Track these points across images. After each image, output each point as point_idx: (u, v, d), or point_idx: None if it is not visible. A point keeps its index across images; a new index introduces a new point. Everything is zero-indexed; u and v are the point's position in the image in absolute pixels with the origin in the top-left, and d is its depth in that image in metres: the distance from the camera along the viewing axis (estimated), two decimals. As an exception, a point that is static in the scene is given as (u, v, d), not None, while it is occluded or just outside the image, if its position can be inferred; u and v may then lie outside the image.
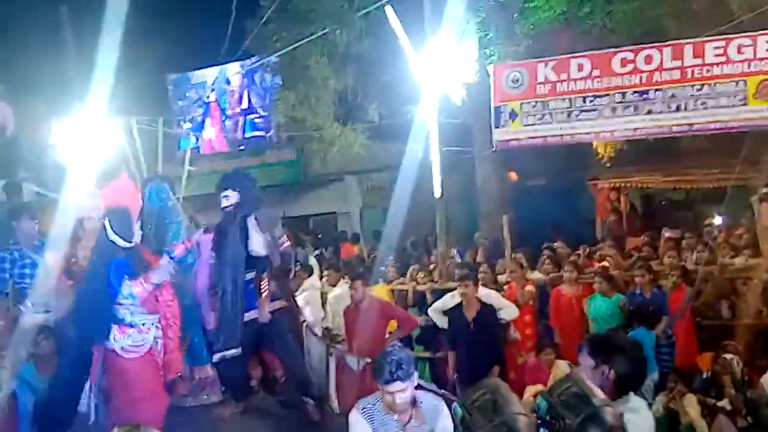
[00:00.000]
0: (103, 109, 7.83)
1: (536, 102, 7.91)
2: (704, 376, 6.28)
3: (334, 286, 7.92)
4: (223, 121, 14.90)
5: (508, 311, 6.52)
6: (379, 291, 7.51)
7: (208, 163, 13.42)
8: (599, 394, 2.48)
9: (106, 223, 4.35)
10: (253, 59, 13.15)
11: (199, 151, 14.11)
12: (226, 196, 5.13)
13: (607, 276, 7.06)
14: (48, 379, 4.59)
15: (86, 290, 4.40)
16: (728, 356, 6.17)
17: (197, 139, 14.47)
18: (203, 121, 14.95)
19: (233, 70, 14.63)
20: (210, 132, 14.93)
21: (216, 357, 4.96)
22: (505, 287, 7.33)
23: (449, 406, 3.19)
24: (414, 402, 3.30)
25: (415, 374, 3.29)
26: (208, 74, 14.97)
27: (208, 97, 14.93)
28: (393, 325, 6.21)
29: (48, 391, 4.50)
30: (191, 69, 14.99)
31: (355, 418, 3.35)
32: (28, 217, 5.46)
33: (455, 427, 2.36)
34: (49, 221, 5.14)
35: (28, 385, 4.60)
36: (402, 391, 3.18)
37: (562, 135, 7.92)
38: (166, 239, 4.69)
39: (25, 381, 4.59)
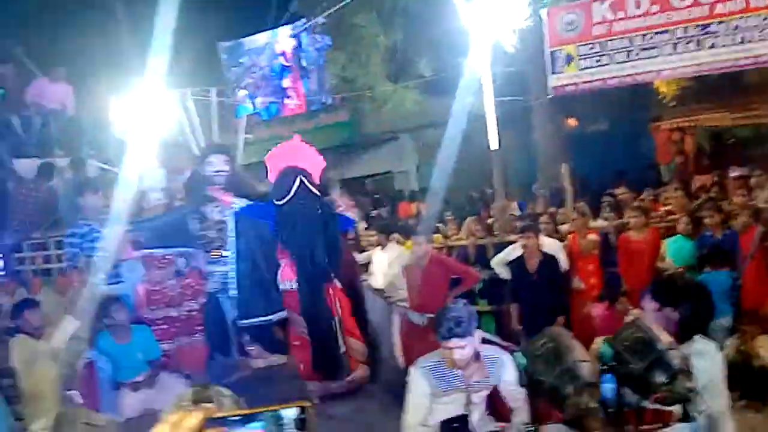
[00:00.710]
0: (160, 83, 7.99)
1: (593, 44, 7.64)
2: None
3: (382, 247, 7.65)
4: (303, 81, 14.67)
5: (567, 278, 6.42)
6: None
7: (265, 130, 13.60)
8: (664, 339, 2.46)
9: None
10: (302, 21, 13.13)
11: (262, 117, 14.19)
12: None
13: (692, 217, 6.86)
14: (124, 348, 4.81)
15: None
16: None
17: (254, 106, 14.59)
18: (278, 85, 14.84)
19: (284, 33, 14.51)
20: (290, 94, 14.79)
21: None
22: (568, 237, 7.23)
23: (514, 358, 3.21)
24: (477, 356, 3.26)
25: (476, 331, 3.24)
26: (260, 39, 14.94)
27: (275, 60, 14.76)
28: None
29: None
30: (241, 36, 15.06)
31: (414, 376, 3.34)
32: (92, 191, 5.63)
33: (519, 376, 2.38)
34: (114, 195, 5.31)
35: (106, 354, 4.81)
36: (461, 347, 3.14)
37: (621, 76, 7.66)
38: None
39: (102, 350, 4.81)
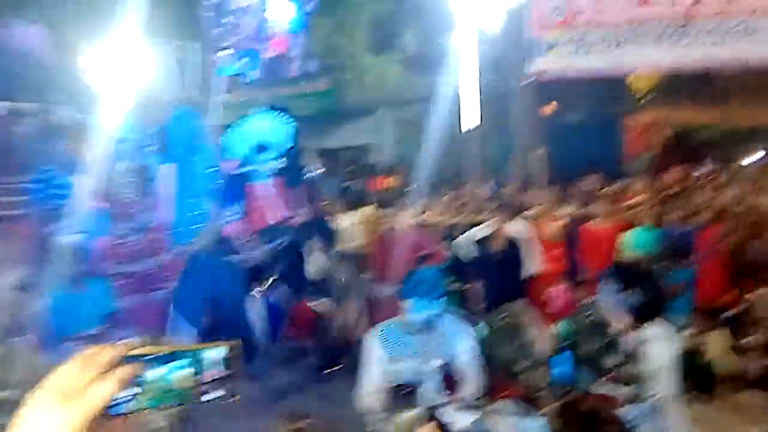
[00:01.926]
0: (139, 32, 7.74)
1: (574, 32, 7.70)
2: (731, 313, 6.32)
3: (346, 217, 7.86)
4: (289, 48, 14.39)
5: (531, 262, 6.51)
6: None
7: (244, 92, 13.40)
8: (618, 323, 2.56)
9: None
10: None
11: (246, 78, 13.96)
12: None
13: (657, 210, 7.02)
14: (79, 299, 4.68)
15: None
16: (755, 294, 6.19)
17: (237, 67, 14.31)
18: (256, 47, 14.54)
19: None
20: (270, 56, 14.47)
21: None
22: (536, 221, 7.35)
23: (475, 329, 3.28)
24: (432, 325, 3.29)
25: (440, 297, 3.29)
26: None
27: (258, 23, 14.44)
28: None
29: None
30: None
31: (370, 340, 3.38)
32: (59, 139, 5.49)
33: (477, 347, 2.45)
34: (84, 144, 5.16)
35: (58, 305, 4.66)
36: (419, 308, 3.18)
37: (601, 66, 7.74)
38: (192, 163, 4.80)
39: (55, 301, 4.67)
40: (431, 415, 2.57)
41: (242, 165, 4.73)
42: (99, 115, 5.67)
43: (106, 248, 5.02)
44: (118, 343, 0.86)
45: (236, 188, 4.85)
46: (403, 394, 3.17)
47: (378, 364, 3.31)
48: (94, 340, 4.64)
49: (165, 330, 4.88)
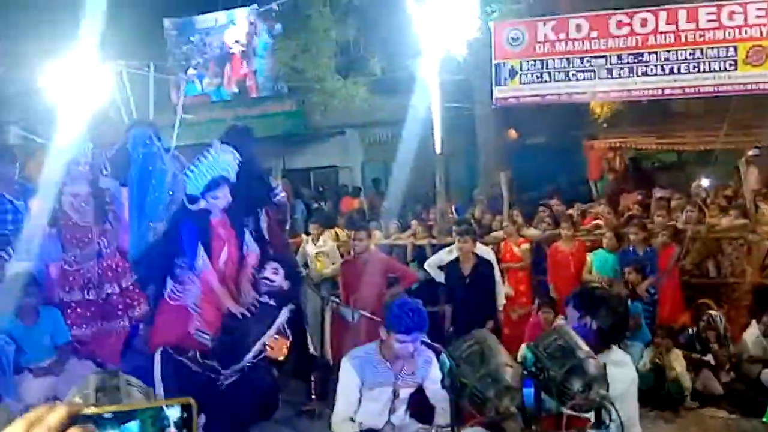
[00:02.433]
0: (95, 53, 7.50)
1: (535, 61, 7.97)
2: (690, 332, 6.54)
3: (316, 240, 7.73)
4: (256, 67, 14.38)
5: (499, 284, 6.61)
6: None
7: (207, 112, 13.38)
8: (584, 347, 2.65)
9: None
10: (254, 6, 12.96)
11: (212, 98, 13.92)
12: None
13: (614, 231, 7.25)
14: (30, 330, 4.53)
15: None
16: (713, 313, 6.42)
17: (202, 86, 14.27)
18: (221, 67, 14.53)
19: (241, 15, 14.18)
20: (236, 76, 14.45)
21: None
22: (501, 243, 7.51)
23: (440, 359, 3.34)
24: (411, 354, 3.34)
25: (425, 328, 3.31)
26: (214, 20, 14.55)
27: (224, 43, 14.45)
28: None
29: None
30: (186, 13, 14.59)
31: (346, 366, 3.39)
32: (8, 160, 5.07)
33: (443, 378, 2.46)
34: (37, 166, 4.92)
35: (9, 336, 4.51)
36: (412, 341, 3.20)
37: (559, 94, 8.02)
38: (148, 186, 4.60)
39: (6, 331, 4.50)
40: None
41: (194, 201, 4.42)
42: (52, 136, 5.36)
43: (60, 276, 4.75)
44: (67, 403, 0.81)
45: (195, 231, 4.42)
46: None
47: (354, 390, 3.33)
48: (47, 371, 4.56)
49: (123, 360, 4.66)
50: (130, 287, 4.86)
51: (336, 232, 7.91)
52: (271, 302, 4.43)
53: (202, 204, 4.42)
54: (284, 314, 4.41)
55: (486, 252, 6.73)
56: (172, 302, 4.37)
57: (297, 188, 12.80)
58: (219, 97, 14.42)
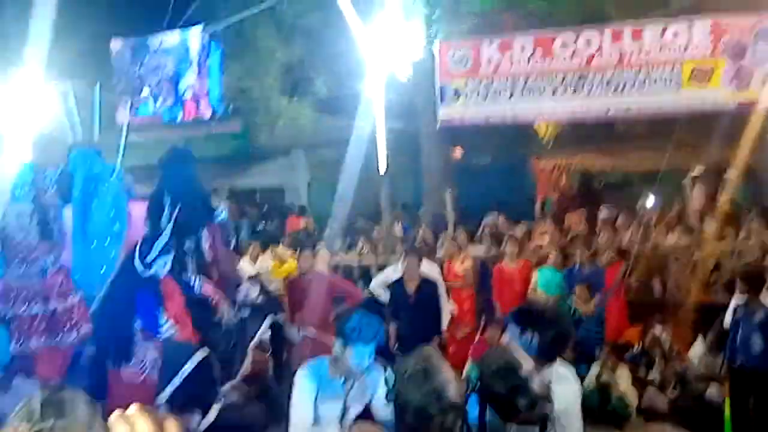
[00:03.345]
0: (40, 74, 7.51)
1: (480, 81, 8.01)
2: (635, 349, 6.59)
3: (255, 261, 7.77)
4: (207, 89, 14.19)
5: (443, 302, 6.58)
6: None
7: (154, 132, 13.07)
8: (527, 365, 2.58)
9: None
10: (199, 26, 12.78)
11: (164, 118, 13.64)
12: None
13: (560, 249, 7.28)
14: None
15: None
16: (658, 331, 6.49)
17: (155, 106, 13.96)
18: (175, 86, 14.26)
19: (194, 35, 13.98)
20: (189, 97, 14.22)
21: None
22: (446, 262, 7.47)
23: (385, 375, 3.25)
24: (364, 369, 3.34)
25: (377, 343, 3.34)
26: (165, 40, 14.32)
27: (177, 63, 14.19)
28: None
29: None
30: (133, 35, 14.40)
31: (301, 378, 3.37)
32: None
33: (387, 394, 2.41)
34: None
35: None
36: (361, 354, 3.22)
37: (504, 114, 8.06)
38: (90, 207, 4.67)
39: None
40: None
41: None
42: None
43: (3, 291, 4.74)
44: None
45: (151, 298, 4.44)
46: None
47: (308, 399, 3.30)
48: None
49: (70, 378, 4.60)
50: (75, 304, 4.86)
51: (276, 252, 7.80)
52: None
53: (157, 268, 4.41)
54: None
55: (431, 270, 6.68)
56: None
57: (243, 209, 12.60)
58: (172, 116, 14.14)
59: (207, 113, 13.89)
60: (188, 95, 14.14)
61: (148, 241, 4.40)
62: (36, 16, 6.69)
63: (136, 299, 4.33)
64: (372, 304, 7.37)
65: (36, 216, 4.77)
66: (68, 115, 8.95)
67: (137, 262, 4.31)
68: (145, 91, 13.72)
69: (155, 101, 13.94)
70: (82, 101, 9.32)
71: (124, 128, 9.12)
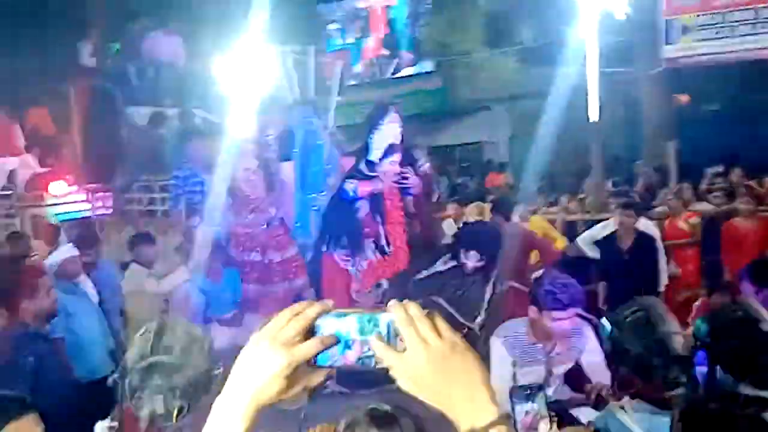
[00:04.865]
0: (260, 41, 8.15)
1: (713, 14, 7.08)
2: None
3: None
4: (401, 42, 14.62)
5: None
6: (536, 223, 7.29)
7: (356, 93, 13.62)
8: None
9: None
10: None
11: (351, 53, 14.26)
12: None
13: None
14: (216, 287, 5.09)
15: None
16: None
17: (343, 41, 14.62)
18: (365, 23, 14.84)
19: None
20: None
21: None
22: (666, 219, 6.85)
23: (596, 329, 3.02)
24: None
25: (582, 302, 3.07)
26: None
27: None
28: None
29: None
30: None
31: (497, 344, 3.22)
32: (198, 140, 6.04)
33: (602, 344, 2.22)
34: (215, 144, 5.58)
35: (201, 291, 5.07)
36: (562, 319, 2.96)
37: (743, 50, 7.08)
38: (309, 159, 5.05)
39: (198, 287, 5.06)
40: (555, 410, 2.36)
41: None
42: (228, 118, 6.24)
43: (236, 241, 5.30)
44: (318, 302, 0.93)
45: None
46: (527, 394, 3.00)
47: (506, 367, 3.10)
48: (230, 323, 5.02)
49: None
50: (291, 258, 5.30)
51: (480, 209, 7.70)
52: None
53: (386, 166, 4.75)
54: None
55: (649, 227, 6.16)
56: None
57: (442, 165, 12.71)
58: (358, 49, 14.57)
59: (400, 71, 14.25)
60: (375, 30, 14.53)
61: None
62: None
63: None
64: (573, 262, 7.03)
65: (261, 170, 5.26)
66: (287, 78, 9.66)
67: None
68: (334, 26, 14.44)
69: (343, 35, 14.60)
70: (300, 65, 9.99)
71: (333, 89, 9.66)
